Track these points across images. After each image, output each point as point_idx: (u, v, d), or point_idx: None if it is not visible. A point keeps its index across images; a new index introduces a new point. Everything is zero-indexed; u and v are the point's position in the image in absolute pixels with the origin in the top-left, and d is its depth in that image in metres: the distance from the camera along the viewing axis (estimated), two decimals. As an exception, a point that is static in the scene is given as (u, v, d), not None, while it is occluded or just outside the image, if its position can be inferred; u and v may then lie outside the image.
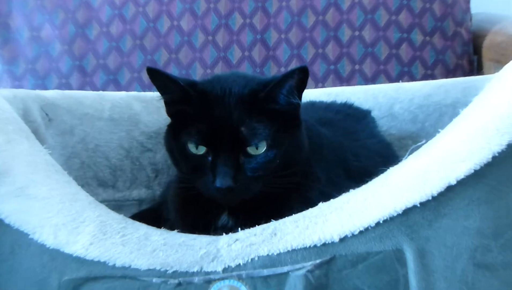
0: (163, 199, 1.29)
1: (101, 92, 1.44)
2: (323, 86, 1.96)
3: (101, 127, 1.38)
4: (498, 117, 0.82)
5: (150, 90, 1.69)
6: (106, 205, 0.96)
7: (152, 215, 1.26)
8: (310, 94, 1.52)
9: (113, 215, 0.90)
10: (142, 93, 1.50)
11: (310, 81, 1.87)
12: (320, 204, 0.87)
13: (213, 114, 0.92)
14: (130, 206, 1.40)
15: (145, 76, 1.93)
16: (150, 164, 1.45)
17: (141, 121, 1.45)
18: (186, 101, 0.94)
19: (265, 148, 0.92)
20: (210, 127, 0.92)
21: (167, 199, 1.16)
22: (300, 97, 0.95)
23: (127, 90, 1.89)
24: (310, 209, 0.86)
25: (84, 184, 1.31)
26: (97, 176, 1.37)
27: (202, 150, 0.94)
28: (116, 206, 1.35)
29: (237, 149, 0.92)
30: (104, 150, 1.38)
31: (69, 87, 1.91)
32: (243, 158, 0.92)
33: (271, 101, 0.93)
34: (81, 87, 1.90)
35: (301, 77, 0.93)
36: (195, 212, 1.02)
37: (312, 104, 1.40)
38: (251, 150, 0.92)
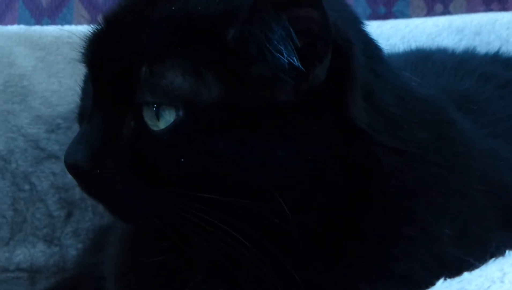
0: (86, 268, 1.02)
1: None
2: (446, 11, 1.59)
3: None
4: None
5: (53, 20, 1.46)
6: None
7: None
8: (419, 30, 1.19)
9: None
10: (38, 28, 1.17)
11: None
12: (440, 285, 0.65)
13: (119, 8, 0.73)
14: (10, 282, 1.06)
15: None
16: (55, 189, 1.08)
17: (35, 92, 1.09)
18: None
19: (172, 120, 0.67)
20: (96, 34, 0.72)
21: (103, 268, 0.86)
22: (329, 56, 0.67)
23: (1, 22, 1.56)
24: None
25: None
26: None
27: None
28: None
29: (122, 104, 0.68)
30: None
31: None
32: (133, 124, 0.69)
33: (249, 55, 0.67)
34: None
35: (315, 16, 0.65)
36: None
37: (426, 59, 1.02)
38: (147, 115, 0.68)
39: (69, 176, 0.99)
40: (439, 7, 1.62)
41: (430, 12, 1.63)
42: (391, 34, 1.16)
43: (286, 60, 0.66)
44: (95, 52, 0.72)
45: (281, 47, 0.65)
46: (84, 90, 0.78)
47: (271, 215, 0.68)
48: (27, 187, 1.09)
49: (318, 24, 0.64)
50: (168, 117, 0.67)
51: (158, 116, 0.67)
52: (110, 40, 0.71)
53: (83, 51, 0.73)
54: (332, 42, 0.66)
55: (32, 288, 1.09)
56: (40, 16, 1.61)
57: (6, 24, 1.41)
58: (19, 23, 1.27)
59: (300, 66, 0.66)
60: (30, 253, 1.08)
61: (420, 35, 1.24)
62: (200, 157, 0.67)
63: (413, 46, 1.16)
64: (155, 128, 0.67)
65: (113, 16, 0.73)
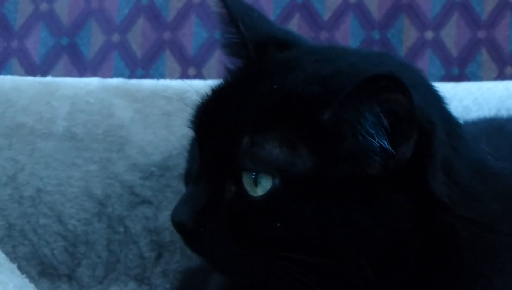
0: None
1: (49, 78, 1.17)
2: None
3: (48, 153, 1.09)
4: None
5: (147, 71, 1.50)
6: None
7: None
8: (490, 93, 1.18)
9: None
10: (136, 81, 1.20)
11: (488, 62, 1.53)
12: None
13: (226, 84, 0.78)
14: (102, 320, 1.11)
15: (137, 39, 1.59)
16: (147, 232, 1.11)
17: (132, 142, 1.12)
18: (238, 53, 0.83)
19: (269, 188, 0.70)
20: (204, 105, 0.78)
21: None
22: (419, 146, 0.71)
23: (98, 71, 1.54)
24: None
25: (10, 270, 0.91)
26: (39, 255, 1.08)
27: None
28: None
29: (225, 170, 0.72)
30: (54, 200, 1.08)
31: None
32: (234, 189, 0.72)
33: (341, 132, 0.71)
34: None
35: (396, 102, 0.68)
36: None
37: (500, 129, 1.01)
38: (246, 182, 0.71)
39: (160, 220, 1.11)
40: (509, 69, 1.61)
41: (501, 74, 1.61)
42: (464, 96, 1.17)
43: (377, 144, 0.69)
44: (203, 121, 0.76)
45: (373, 132, 0.68)
46: (191, 153, 0.84)
47: (352, 275, 0.71)
48: (121, 229, 1.12)
49: (405, 109, 0.67)
50: (265, 185, 0.70)
51: (256, 183, 0.71)
52: (216, 111, 0.75)
53: (192, 119, 0.78)
54: (417, 124, 0.68)
55: (122, 328, 1.12)
56: (134, 68, 1.61)
57: (103, 73, 1.43)
58: (115, 73, 1.40)
59: (390, 149, 0.68)
60: (123, 292, 1.15)
61: (491, 98, 1.20)
62: (291, 222, 0.70)
63: (485, 108, 1.15)
64: (253, 194, 0.70)
65: (220, 89, 0.78)
